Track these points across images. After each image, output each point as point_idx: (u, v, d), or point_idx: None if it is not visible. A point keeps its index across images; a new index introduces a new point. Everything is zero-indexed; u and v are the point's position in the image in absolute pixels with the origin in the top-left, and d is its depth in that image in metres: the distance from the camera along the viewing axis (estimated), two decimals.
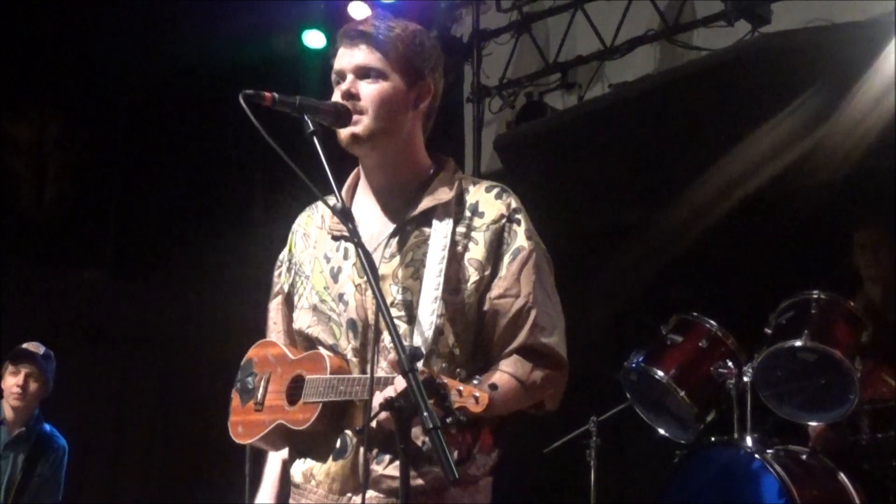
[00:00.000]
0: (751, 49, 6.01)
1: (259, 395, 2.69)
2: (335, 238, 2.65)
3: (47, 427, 5.48)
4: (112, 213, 8.78)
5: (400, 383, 2.22)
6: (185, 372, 8.37)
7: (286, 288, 2.79)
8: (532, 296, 2.52)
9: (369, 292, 2.52)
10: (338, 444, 2.53)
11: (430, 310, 2.44)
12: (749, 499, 4.62)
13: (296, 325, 2.70)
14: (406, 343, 2.39)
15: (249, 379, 2.76)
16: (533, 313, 2.51)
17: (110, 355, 5.99)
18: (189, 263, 8.33)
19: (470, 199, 2.59)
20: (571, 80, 7.08)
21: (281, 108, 2.43)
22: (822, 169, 5.77)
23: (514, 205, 2.59)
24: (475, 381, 2.27)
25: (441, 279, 2.46)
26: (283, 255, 2.85)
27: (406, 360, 2.10)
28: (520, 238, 2.55)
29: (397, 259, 2.54)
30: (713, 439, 4.95)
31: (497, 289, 2.52)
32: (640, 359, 5.09)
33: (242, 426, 2.72)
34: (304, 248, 2.75)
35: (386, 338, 2.48)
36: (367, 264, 2.27)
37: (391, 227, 2.59)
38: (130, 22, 7.65)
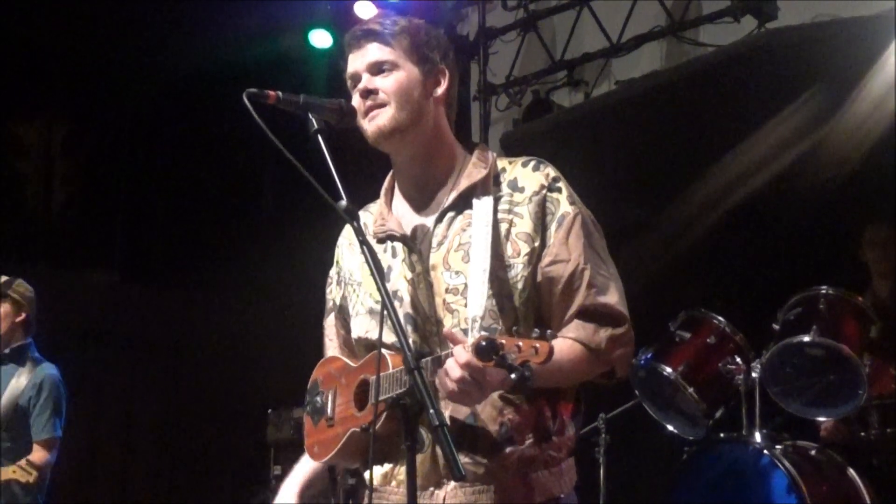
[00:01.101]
0: (757, 45, 5.99)
1: (329, 411, 2.63)
2: (380, 240, 2.62)
3: (46, 363, 5.41)
4: (120, 215, 8.80)
5: (459, 354, 2.20)
6: (193, 374, 8.39)
7: (339, 301, 2.76)
8: (583, 257, 2.48)
9: (423, 284, 2.51)
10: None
11: (480, 291, 2.41)
12: (758, 495, 4.61)
13: (355, 335, 2.66)
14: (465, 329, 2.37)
15: (318, 398, 2.69)
16: (587, 274, 2.47)
17: (119, 358, 6.00)
18: (197, 266, 8.35)
19: (507, 176, 2.58)
20: (578, 78, 7.07)
21: (285, 107, 2.43)
22: (829, 164, 5.76)
23: (552, 174, 2.57)
24: (534, 334, 2.20)
25: (488, 255, 2.43)
26: (332, 272, 2.81)
27: (411, 358, 2.10)
28: (563, 204, 2.53)
29: (445, 245, 2.52)
30: (722, 436, 4.94)
31: (547, 257, 2.49)
32: (649, 356, 5.08)
33: (318, 446, 2.65)
34: (351, 257, 2.73)
35: (446, 326, 2.45)
36: (372, 260, 2.26)
37: (433, 217, 2.58)
38: (137, 24, 7.68)
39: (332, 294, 2.80)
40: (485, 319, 2.41)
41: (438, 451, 2.42)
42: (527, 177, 2.56)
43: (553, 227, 2.51)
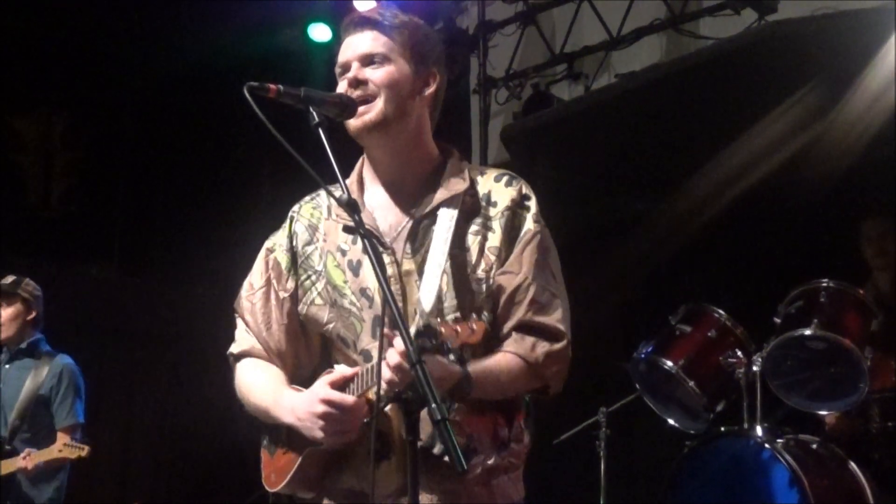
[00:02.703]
0: (758, 38, 5.98)
1: (284, 438, 2.61)
2: (347, 230, 2.54)
3: (60, 354, 5.66)
4: (119, 209, 8.78)
5: (398, 344, 2.23)
6: (193, 368, 8.37)
7: (290, 283, 2.67)
8: (532, 273, 2.52)
9: (396, 286, 2.50)
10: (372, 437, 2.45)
11: (430, 299, 2.41)
12: (759, 489, 4.60)
13: (309, 320, 2.64)
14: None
15: (274, 434, 2.66)
16: (532, 290, 2.51)
17: (118, 351, 6.02)
18: (196, 259, 8.35)
19: (481, 189, 2.60)
20: (578, 71, 7.05)
21: (286, 100, 2.41)
22: (829, 157, 5.75)
23: (523, 190, 2.61)
24: (471, 318, 2.26)
25: (443, 270, 2.44)
26: (279, 239, 2.73)
27: (413, 352, 2.08)
28: (528, 222, 2.57)
29: (420, 253, 2.52)
30: (723, 429, 4.94)
31: (502, 267, 2.53)
32: (649, 349, 5.07)
33: (275, 474, 2.61)
34: (311, 241, 2.67)
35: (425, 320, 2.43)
36: (375, 259, 2.24)
37: (406, 219, 2.57)
38: (136, 18, 7.67)
39: (282, 267, 2.69)
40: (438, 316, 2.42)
41: (406, 457, 2.40)
42: (499, 192, 2.59)
43: (517, 241, 2.55)
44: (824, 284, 4.85)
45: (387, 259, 2.51)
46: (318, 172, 2.33)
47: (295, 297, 2.67)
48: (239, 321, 2.75)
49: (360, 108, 2.52)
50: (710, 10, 6.31)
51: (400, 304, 2.47)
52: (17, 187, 8.42)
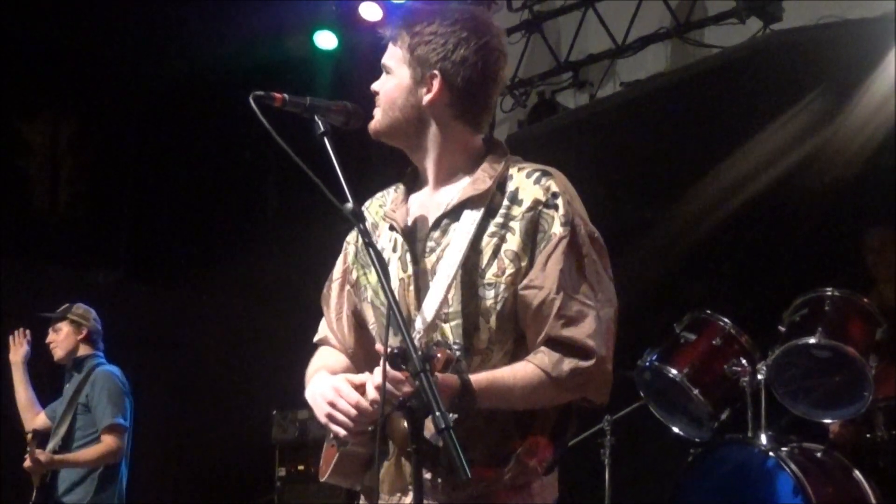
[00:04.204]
0: (763, 46, 6.00)
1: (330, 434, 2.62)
2: (391, 227, 2.60)
3: (101, 362, 6.01)
4: (126, 215, 8.80)
5: (375, 376, 2.27)
6: (198, 375, 8.39)
7: (354, 276, 2.71)
8: (556, 285, 2.40)
9: (412, 287, 2.49)
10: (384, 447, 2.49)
11: (434, 305, 2.40)
12: (764, 497, 4.60)
13: (361, 316, 2.69)
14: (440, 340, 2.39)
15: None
16: (556, 305, 2.40)
17: (123, 358, 6.09)
18: (203, 265, 8.35)
19: (511, 186, 2.50)
20: (583, 79, 7.08)
21: (291, 109, 2.43)
22: (834, 165, 5.76)
23: (553, 188, 2.47)
24: (456, 346, 2.28)
25: (454, 275, 2.41)
26: (353, 234, 2.76)
27: (418, 361, 2.09)
28: (555, 224, 2.44)
29: (436, 253, 2.49)
30: (727, 437, 4.94)
31: (525, 279, 2.43)
32: (654, 357, 5.07)
33: (324, 464, 2.65)
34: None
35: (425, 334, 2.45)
36: (378, 263, 2.26)
37: (433, 218, 2.54)
38: (142, 24, 7.69)
39: (349, 260, 2.75)
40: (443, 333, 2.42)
41: (403, 459, 2.45)
42: (527, 189, 2.48)
43: (540, 247, 2.44)
44: (829, 293, 4.85)
45: (409, 257, 2.51)
46: (331, 179, 2.34)
47: (356, 290, 2.70)
48: (324, 310, 2.81)
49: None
50: (715, 18, 6.33)
51: (414, 303, 2.48)
52: (24, 193, 8.44)
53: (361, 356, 2.71)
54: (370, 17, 6.81)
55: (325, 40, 7.25)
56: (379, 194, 2.75)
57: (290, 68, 7.35)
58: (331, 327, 2.77)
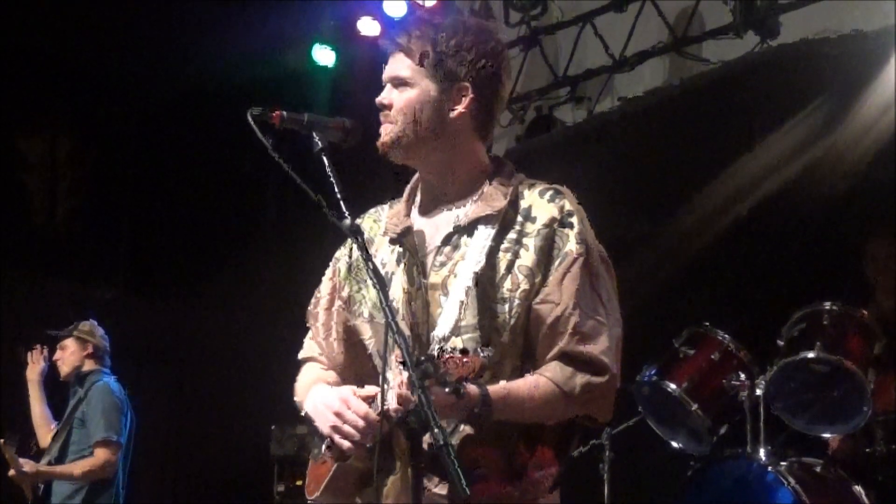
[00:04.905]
0: (760, 61, 6.01)
1: (322, 448, 2.61)
2: (392, 241, 2.59)
3: (101, 378, 6.05)
4: (124, 229, 8.81)
5: (397, 383, 2.24)
6: (196, 389, 8.38)
7: (346, 293, 2.69)
8: (573, 301, 2.43)
9: (419, 301, 2.48)
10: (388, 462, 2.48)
11: (451, 317, 2.41)
12: None
13: (355, 332, 2.67)
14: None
15: (316, 439, 2.66)
16: (573, 320, 2.42)
17: (121, 373, 6.11)
18: (201, 280, 8.36)
19: (524, 203, 2.52)
20: (581, 94, 7.08)
21: (289, 126, 2.44)
22: (831, 178, 5.76)
23: (567, 207, 2.50)
24: (470, 352, 2.25)
25: (469, 290, 2.42)
26: (343, 251, 2.76)
27: (416, 377, 2.09)
28: (570, 242, 2.47)
29: (447, 268, 2.50)
30: (727, 452, 4.93)
31: (540, 294, 2.45)
32: (653, 372, 5.07)
33: (313, 482, 2.62)
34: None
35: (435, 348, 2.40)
36: (377, 280, 2.26)
37: (443, 233, 2.55)
38: (141, 39, 7.70)
39: (338, 277, 2.73)
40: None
41: (409, 473, 2.41)
42: (541, 207, 2.51)
43: (555, 263, 2.46)
44: (827, 307, 4.85)
45: (415, 271, 2.51)
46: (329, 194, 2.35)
47: (349, 307, 2.69)
48: (310, 328, 2.80)
49: (381, 129, 2.55)
50: (713, 33, 6.35)
51: (420, 317, 2.48)
52: (23, 207, 8.45)
53: (351, 373, 2.70)
54: (368, 33, 6.83)
55: (324, 56, 7.26)
56: (372, 210, 2.75)
57: (288, 83, 7.36)
58: (319, 344, 2.75)
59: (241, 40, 7.36)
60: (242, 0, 7.54)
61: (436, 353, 2.16)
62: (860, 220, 5.73)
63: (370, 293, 2.61)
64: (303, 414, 2.64)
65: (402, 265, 2.55)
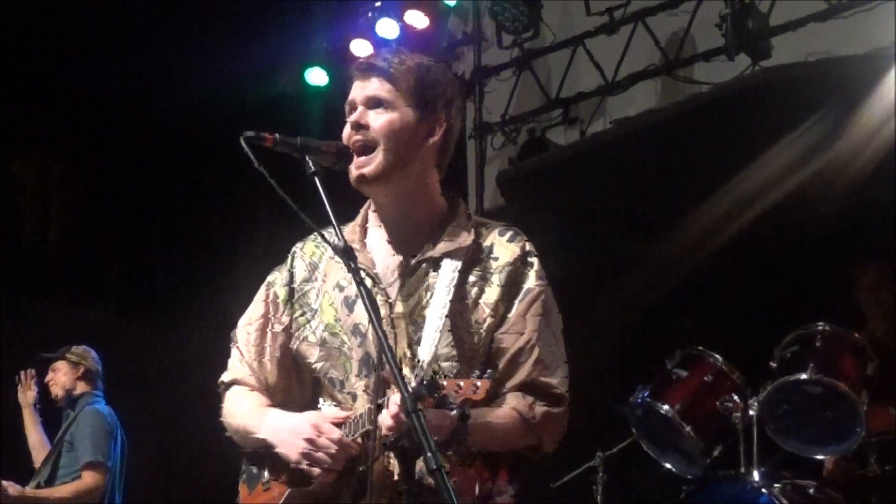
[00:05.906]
0: (752, 83, 6.03)
1: (265, 475, 2.62)
2: (352, 269, 2.54)
3: (93, 401, 6.06)
4: (116, 251, 8.79)
5: (393, 405, 2.25)
6: (189, 411, 8.33)
7: (285, 317, 2.69)
8: (536, 334, 2.53)
9: (388, 328, 2.49)
10: (356, 485, 2.47)
11: (431, 337, 2.44)
12: None
13: (299, 356, 2.65)
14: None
15: (253, 468, 2.67)
16: (536, 351, 2.52)
17: (114, 395, 6.11)
18: (193, 301, 8.33)
19: (485, 242, 2.60)
20: (573, 116, 7.09)
21: (282, 149, 2.44)
22: (822, 200, 5.78)
23: (527, 247, 2.61)
24: (474, 374, 2.27)
25: (443, 319, 2.45)
26: (280, 274, 2.75)
27: (410, 401, 2.09)
28: (531, 279, 2.58)
29: (414, 299, 2.53)
30: (720, 474, 4.92)
31: (503, 326, 2.54)
32: (646, 394, 5.06)
33: None
34: (310, 279, 2.68)
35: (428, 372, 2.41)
36: (370, 303, 2.25)
37: (404, 263, 2.58)
38: (134, 62, 7.71)
39: (279, 301, 2.71)
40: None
41: (382, 499, 2.43)
42: (502, 246, 2.60)
43: (519, 297, 2.55)
44: (820, 328, 4.85)
45: (379, 300, 2.51)
46: (318, 215, 2.35)
47: (289, 332, 2.69)
48: (234, 350, 2.77)
49: (360, 159, 2.52)
50: (705, 55, 6.37)
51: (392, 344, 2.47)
52: (15, 229, 8.43)
53: (283, 395, 2.69)
54: (361, 54, 6.85)
55: (316, 77, 7.28)
56: (311, 237, 2.74)
57: (281, 105, 7.38)
58: (251, 368, 2.71)
59: (234, 62, 7.37)
60: (236, 22, 7.55)
61: (431, 377, 2.18)
62: (852, 242, 5.74)
63: (325, 316, 2.62)
64: (230, 434, 2.68)
65: (360, 292, 2.49)
